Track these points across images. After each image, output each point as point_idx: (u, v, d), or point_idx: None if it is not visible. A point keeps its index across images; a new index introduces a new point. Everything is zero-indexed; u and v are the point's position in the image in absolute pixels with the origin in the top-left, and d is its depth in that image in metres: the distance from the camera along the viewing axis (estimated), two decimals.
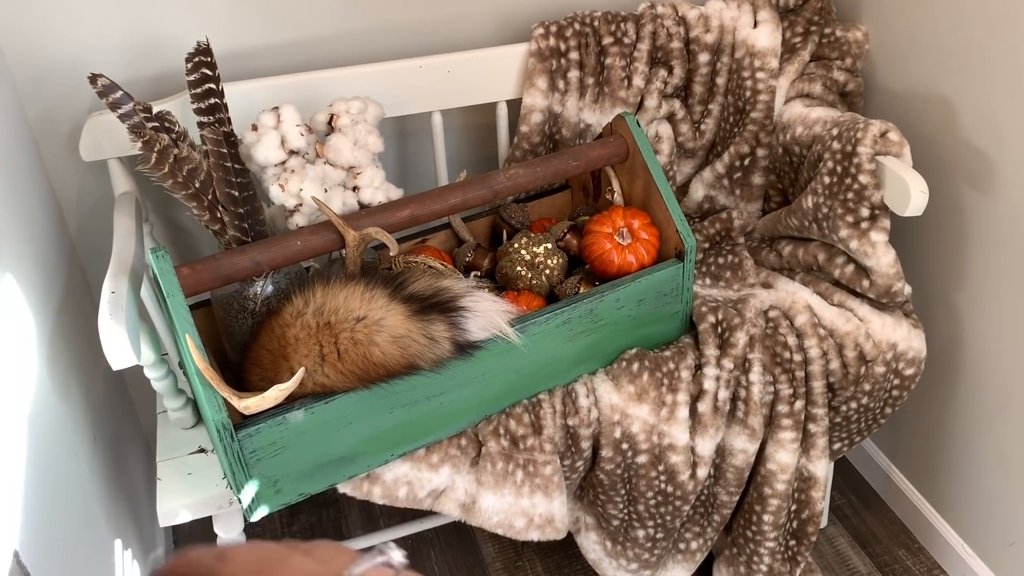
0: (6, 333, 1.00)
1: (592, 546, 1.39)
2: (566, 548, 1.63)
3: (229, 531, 1.26)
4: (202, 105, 1.14)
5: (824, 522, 1.69)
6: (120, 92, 1.12)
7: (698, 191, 1.53)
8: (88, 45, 1.29)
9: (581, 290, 1.28)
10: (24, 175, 1.24)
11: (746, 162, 1.49)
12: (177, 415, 1.24)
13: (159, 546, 1.57)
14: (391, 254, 1.12)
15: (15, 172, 1.19)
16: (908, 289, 1.38)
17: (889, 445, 1.72)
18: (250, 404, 0.98)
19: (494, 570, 1.62)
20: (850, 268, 1.35)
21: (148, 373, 1.16)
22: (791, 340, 1.31)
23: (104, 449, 1.33)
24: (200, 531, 1.69)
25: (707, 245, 1.49)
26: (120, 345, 1.00)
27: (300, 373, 0.98)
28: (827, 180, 1.32)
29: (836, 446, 1.43)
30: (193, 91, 1.14)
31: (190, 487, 1.18)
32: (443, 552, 1.65)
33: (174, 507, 1.16)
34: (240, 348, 1.15)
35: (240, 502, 1.08)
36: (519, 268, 1.28)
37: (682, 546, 1.43)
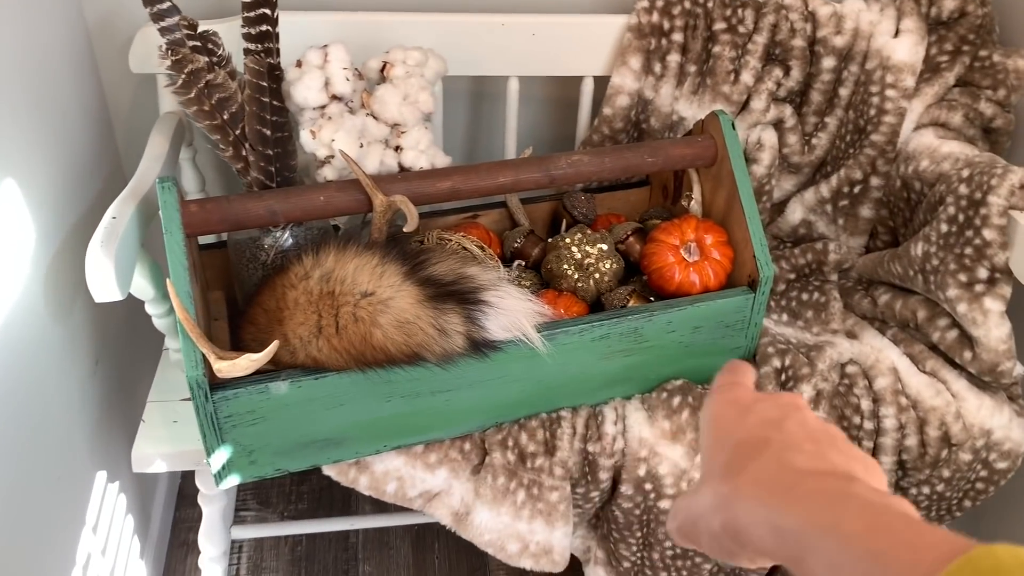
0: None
1: None
2: (574, 571, 1.49)
3: (211, 488, 1.18)
4: (252, 31, 1.04)
5: None
6: (168, 3, 1.03)
7: (796, 213, 1.34)
8: None
9: (631, 303, 1.13)
10: (74, 78, 1.17)
11: (856, 190, 1.29)
12: (178, 355, 1.17)
13: (160, 484, 1.52)
14: (405, 228, 1.00)
15: (64, 74, 1.13)
16: (1020, 370, 1.17)
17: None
18: (222, 367, 0.88)
19: (497, 575, 1.51)
20: (953, 334, 1.15)
21: (149, 309, 1.08)
22: (865, 404, 1.13)
23: (106, 374, 1.27)
24: None
25: (793, 276, 1.31)
26: (104, 275, 0.92)
27: (273, 346, 0.87)
28: (944, 228, 1.11)
29: None
30: (246, 14, 1.04)
31: (172, 435, 1.10)
32: (447, 546, 1.55)
33: (149, 454, 1.08)
34: (245, 300, 1.06)
35: (209, 465, 1.00)
36: (566, 266, 1.14)
37: None
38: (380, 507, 1.60)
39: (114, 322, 1.32)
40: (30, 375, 1.01)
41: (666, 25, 1.26)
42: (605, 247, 1.14)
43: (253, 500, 1.59)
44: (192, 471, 1.17)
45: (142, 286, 1.03)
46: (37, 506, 1.01)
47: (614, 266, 1.15)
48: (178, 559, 1.49)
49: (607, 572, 1.24)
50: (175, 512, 1.56)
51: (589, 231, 1.16)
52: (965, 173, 1.12)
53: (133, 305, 1.41)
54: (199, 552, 1.25)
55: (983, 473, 1.17)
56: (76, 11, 1.21)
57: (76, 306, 1.16)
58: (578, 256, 1.14)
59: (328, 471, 1.08)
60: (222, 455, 0.99)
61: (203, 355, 0.91)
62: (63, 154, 1.13)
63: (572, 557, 1.31)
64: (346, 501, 1.61)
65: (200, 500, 1.20)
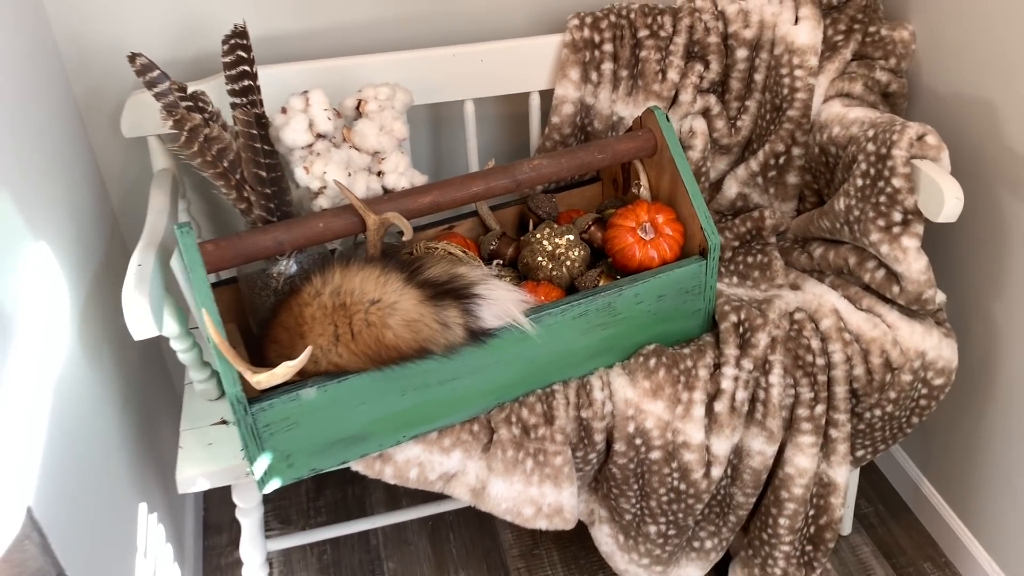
0: (37, 300, 1.04)
1: (605, 539, 1.39)
2: (582, 539, 1.63)
3: (247, 501, 1.30)
4: (236, 86, 1.18)
5: (848, 529, 1.66)
6: (157, 71, 1.16)
7: (732, 188, 1.51)
8: (132, 26, 1.33)
9: (601, 283, 1.27)
10: (68, 149, 1.29)
11: (781, 161, 1.46)
12: (202, 387, 1.28)
13: (187, 514, 1.63)
14: (404, 239, 1.14)
15: (59, 145, 1.24)
16: (941, 297, 1.34)
17: (920, 455, 1.68)
18: (261, 379, 1.01)
19: (511, 556, 1.64)
20: (881, 273, 1.32)
21: (174, 345, 1.20)
22: (815, 344, 1.29)
23: (134, 415, 1.38)
24: (228, 495, 1.75)
25: (737, 243, 1.48)
26: (142, 315, 1.04)
27: (307, 352, 1.00)
28: (860, 182, 1.29)
29: (859, 453, 1.40)
30: (228, 72, 1.17)
31: (210, 456, 1.22)
32: (461, 535, 1.68)
33: (192, 475, 1.20)
34: (261, 324, 1.18)
35: (252, 473, 1.11)
36: (540, 258, 1.29)
37: (696, 544, 1.42)
38: (393, 507, 1.72)
39: (134, 367, 1.43)
40: (75, 418, 1.12)
41: (596, 38, 1.42)
42: (572, 237, 1.29)
43: (275, 520, 1.70)
44: (214, 502, 1.27)
45: (169, 324, 1.15)
46: (95, 537, 1.12)
47: (582, 253, 1.30)
48: None
49: (611, 528, 1.38)
50: (204, 541, 1.67)
51: (556, 225, 1.31)
52: (871, 133, 1.29)
53: (147, 351, 1.52)
54: (233, 574, 1.35)
55: (924, 391, 1.34)
56: (65, 87, 1.33)
57: (104, 352, 1.27)
58: (549, 248, 1.29)
59: (356, 466, 1.20)
60: (264, 462, 1.11)
61: (239, 373, 1.04)
62: (72, 218, 1.24)
63: (580, 523, 1.45)
64: (361, 508, 1.72)
65: (238, 514, 1.31)
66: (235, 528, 1.68)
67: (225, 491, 1.76)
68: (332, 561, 1.63)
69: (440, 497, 1.57)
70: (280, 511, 1.72)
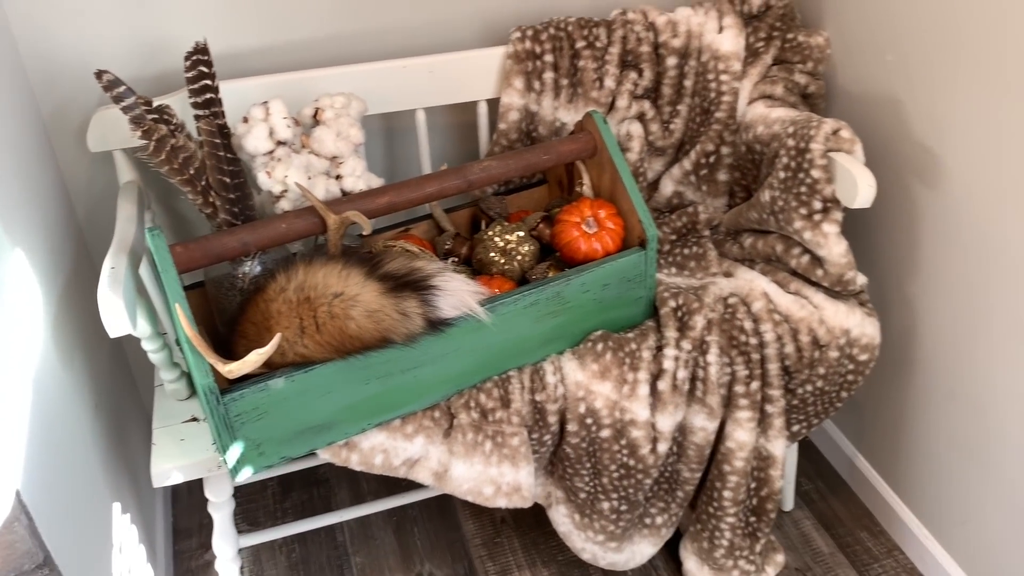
0: (14, 303, 1.10)
1: (562, 519, 1.47)
2: (542, 525, 1.71)
3: (219, 495, 1.35)
4: (199, 100, 1.25)
5: (790, 505, 1.77)
6: (124, 87, 1.23)
7: (668, 187, 1.62)
8: (97, 44, 1.40)
9: (550, 275, 1.36)
10: (36, 164, 1.34)
11: (711, 159, 1.58)
12: (172, 387, 1.34)
13: (158, 518, 1.67)
14: (364, 233, 1.22)
15: (28, 161, 1.30)
16: (862, 279, 1.46)
17: (854, 432, 1.79)
18: (232, 368, 1.08)
19: (474, 545, 1.71)
20: (805, 258, 1.43)
21: (145, 345, 1.25)
22: (748, 324, 1.39)
23: (106, 417, 1.42)
24: (196, 501, 1.80)
25: (674, 237, 1.58)
26: (117, 313, 1.10)
27: (277, 338, 1.07)
28: (782, 175, 1.40)
29: (795, 428, 1.50)
30: (191, 87, 1.24)
31: (182, 451, 1.27)
32: (426, 527, 1.74)
33: (166, 469, 1.25)
34: (229, 322, 1.24)
35: (225, 463, 1.18)
36: (493, 254, 1.37)
37: (648, 521, 1.51)
38: (359, 502, 1.78)
39: (104, 373, 1.48)
40: (52, 417, 1.17)
41: (537, 50, 1.52)
42: (522, 234, 1.38)
43: (244, 523, 1.75)
44: (183, 507, 1.32)
45: (141, 324, 1.21)
46: (75, 531, 1.16)
47: (532, 248, 1.39)
48: None
49: (568, 508, 1.46)
50: (174, 545, 1.71)
51: (506, 223, 1.40)
52: (791, 129, 1.41)
53: (115, 358, 1.57)
54: None
55: (850, 366, 1.45)
56: (32, 103, 1.38)
57: (76, 357, 1.32)
58: (501, 244, 1.37)
59: (323, 454, 1.27)
60: (236, 450, 1.17)
61: (211, 365, 1.10)
62: (41, 231, 1.29)
63: (540, 511, 1.53)
64: (327, 507, 1.78)
65: (210, 508, 1.36)
66: (204, 532, 1.73)
67: (194, 496, 1.81)
68: (300, 559, 1.68)
69: (404, 490, 1.64)
70: (248, 513, 1.77)
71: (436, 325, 1.19)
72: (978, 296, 1.39)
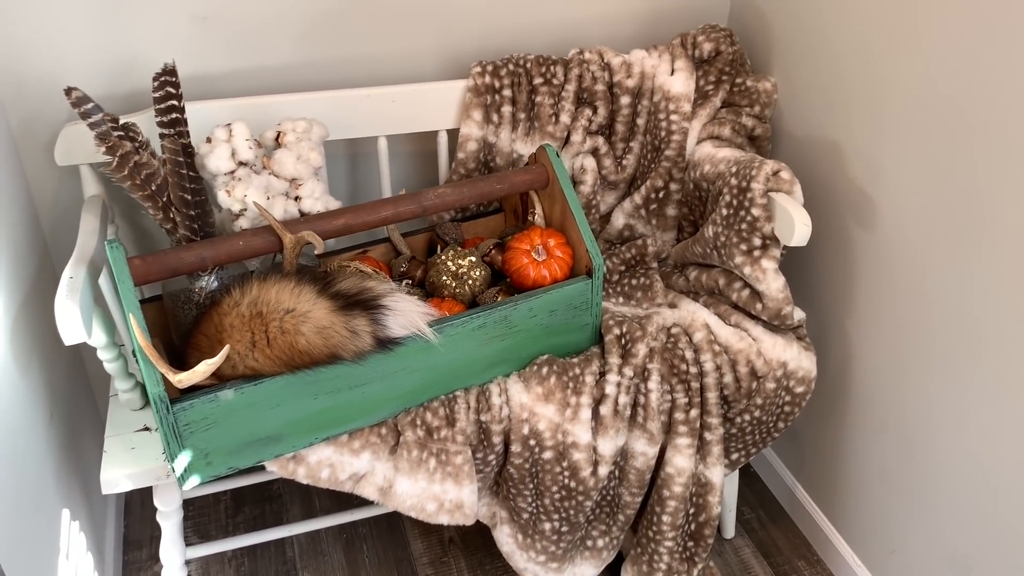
0: None
1: (505, 539, 1.51)
2: (488, 546, 1.75)
3: (168, 504, 1.38)
4: (164, 119, 1.29)
5: (731, 533, 1.81)
6: (91, 104, 1.27)
7: (619, 219, 1.68)
8: (68, 62, 1.44)
9: (499, 299, 1.41)
10: (3, 175, 1.38)
11: (661, 195, 1.64)
12: (127, 396, 1.37)
13: (108, 528, 1.69)
14: (315, 251, 1.26)
15: None
16: (800, 314, 1.52)
17: (794, 463, 1.85)
18: (182, 378, 1.11)
19: (420, 564, 1.74)
20: (746, 292, 1.49)
21: (101, 355, 1.29)
22: (688, 354, 1.45)
23: (60, 426, 1.45)
24: (148, 513, 1.81)
25: (623, 268, 1.64)
26: (73, 321, 1.14)
27: (225, 350, 1.11)
28: (725, 212, 1.47)
29: (734, 456, 1.56)
30: (157, 106, 1.29)
31: (133, 459, 1.30)
32: (374, 546, 1.77)
33: (116, 476, 1.28)
34: (184, 335, 1.28)
35: (174, 471, 1.21)
36: (445, 277, 1.42)
37: (589, 543, 1.55)
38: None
39: (61, 382, 1.50)
40: (4, 422, 1.20)
41: (496, 84, 1.59)
42: (474, 259, 1.44)
43: (195, 536, 1.77)
44: (135, 519, 1.34)
45: (97, 334, 1.24)
46: (22, 536, 1.19)
47: (483, 273, 1.44)
48: None
49: (511, 528, 1.50)
50: (124, 556, 1.72)
51: (460, 248, 1.45)
52: (734, 169, 1.48)
53: (72, 369, 1.60)
54: None
55: (787, 398, 1.51)
56: (2, 118, 1.43)
57: (33, 366, 1.35)
58: (453, 268, 1.42)
59: (271, 467, 1.30)
60: (184, 459, 1.20)
61: (162, 375, 1.14)
62: (4, 241, 1.33)
63: (487, 533, 1.56)
64: (278, 522, 1.80)
65: (159, 517, 1.39)
66: (155, 544, 1.75)
67: (147, 509, 1.82)
68: (249, 572, 1.70)
69: (354, 507, 1.67)
70: (200, 527, 1.79)
71: (384, 343, 1.24)
72: (908, 333, 1.46)
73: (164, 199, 1.28)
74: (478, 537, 1.78)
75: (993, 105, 1.21)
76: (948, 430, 1.40)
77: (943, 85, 1.29)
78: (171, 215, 1.29)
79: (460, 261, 1.43)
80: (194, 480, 1.23)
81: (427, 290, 1.46)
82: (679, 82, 1.61)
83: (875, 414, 1.57)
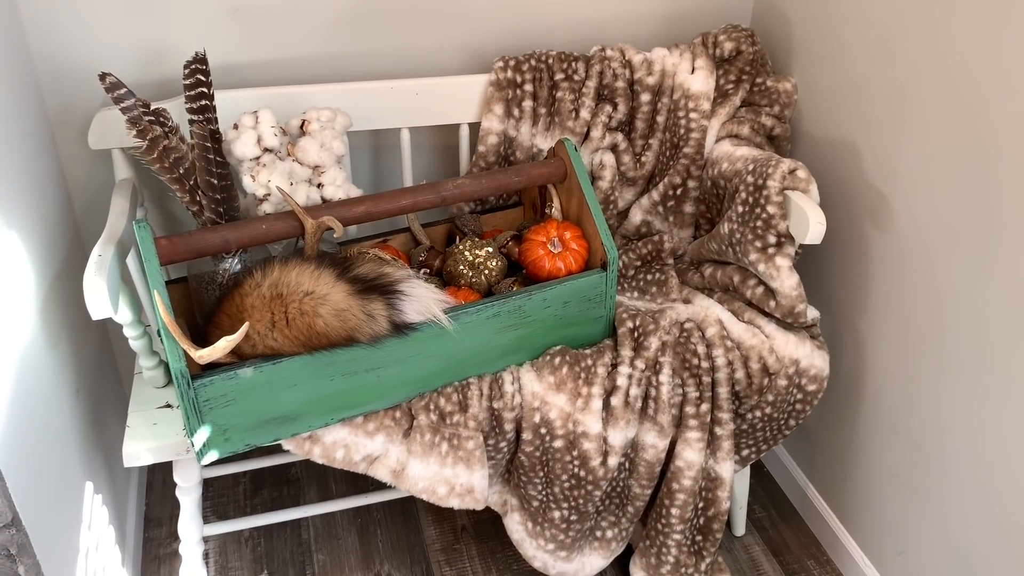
0: (5, 284, 1.18)
1: (515, 527, 1.53)
2: (500, 535, 1.77)
3: (187, 480, 1.42)
4: (194, 105, 1.34)
5: (741, 531, 1.82)
6: (124, 89, 1.32)
7: (636, 216, 1.70)
8: (105, 49, 1.49)
9: (515, 289, 1.44)
10: (38, 158, 1.43)
11: (678, 192, 1.66)
12: (151, 374, 1.41)
13: (130, 498, 1.73)
14: (335, 236, 1.30)
15: (30, 154, 1.39)
16: (813, 312, 1.53)
17: (806, 462, 1.86)
18: (203, 353, 1.15)
19: (433, 550, 1.77)
20: (760, 290, 1.51)
21: (126, 332, 1.33)
22: (701, 349, 1.46)
23: (86, 402, 1.50)
24: (169, 491, 1.86)
25: (639, 263, 1.66)
26: (100, 296, 1.18)
27: (244, 327, 1.15)
28: (740, 209, 1.48)
29: (744, 452, 1.57)
30: (187, 93, 1.33)
31: (154, 435, 1.34)
32: (388, 530, 1.80)
33: (138, 450, 1.32)
34: (206, 316, 1.32)
35: (193, 445, 1.25)
36: (462, 267, 1.45)
37: (598, 534, 1.57)
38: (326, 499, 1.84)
39: (89, 359, 1.55)
40: (34, 395, 1.24)
41: (518, 79, 1.61)
42: (491, 249, 1.46)
43: (213, 516, 1.81)
44: (156, 497, 1.37)
45: (123, 311, 1.28)
46: (47, 506, 1.23)
47: (499, 264, 1.46)
48: (151, 571, 1.69)
49: (521, 515, 1.52)
50: (144, 532, 1.77)
51: (477, 239, 1.48)
52: (751, 167, 1.49)
53: (99, 347, 1.65)
54: (171, 564, 1.45)
55: (799, 395, 1.52)
56: (39, 101, 1.48)
57: (62, 342, 1.40)
58: (470, 258, 1.45)
59: (287, 445, 1.34)
60: (203, 434, 1.24)
61: (184, 351, 1.18)
62: (38, 221, 1.38)
63: (498, 522, 1.59)
64: (295, 504, 1.84)
65: (178, 492, 1.43)
66: (174, 522, 1.79)
67: (168, 488, 1.87)
68: (265, 552, 1.74)
69: (369, 490, 1.71)
70: (218, 508, 1.83)
71: (400, 328, 1.27)
72: (920, 335, 1.46)
73: (191, 183, 1.32)
74: (490, 526, 1.81)
75: (1010, 109, 1.22)
76: (957, 433, 1.40)
77: (961, 88, 1.30)
78: (197, 198, 1.33)
79: (477, 251, 1.46)
80: (212, 455, 1.27)
81: (444, 279, 1.49)
82: (699, 80, 1.63)
83: (886, 415, 1.57)
